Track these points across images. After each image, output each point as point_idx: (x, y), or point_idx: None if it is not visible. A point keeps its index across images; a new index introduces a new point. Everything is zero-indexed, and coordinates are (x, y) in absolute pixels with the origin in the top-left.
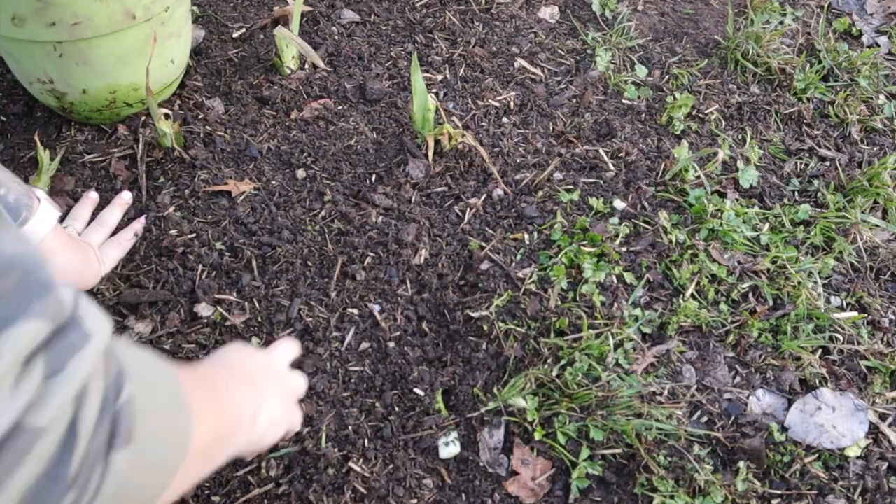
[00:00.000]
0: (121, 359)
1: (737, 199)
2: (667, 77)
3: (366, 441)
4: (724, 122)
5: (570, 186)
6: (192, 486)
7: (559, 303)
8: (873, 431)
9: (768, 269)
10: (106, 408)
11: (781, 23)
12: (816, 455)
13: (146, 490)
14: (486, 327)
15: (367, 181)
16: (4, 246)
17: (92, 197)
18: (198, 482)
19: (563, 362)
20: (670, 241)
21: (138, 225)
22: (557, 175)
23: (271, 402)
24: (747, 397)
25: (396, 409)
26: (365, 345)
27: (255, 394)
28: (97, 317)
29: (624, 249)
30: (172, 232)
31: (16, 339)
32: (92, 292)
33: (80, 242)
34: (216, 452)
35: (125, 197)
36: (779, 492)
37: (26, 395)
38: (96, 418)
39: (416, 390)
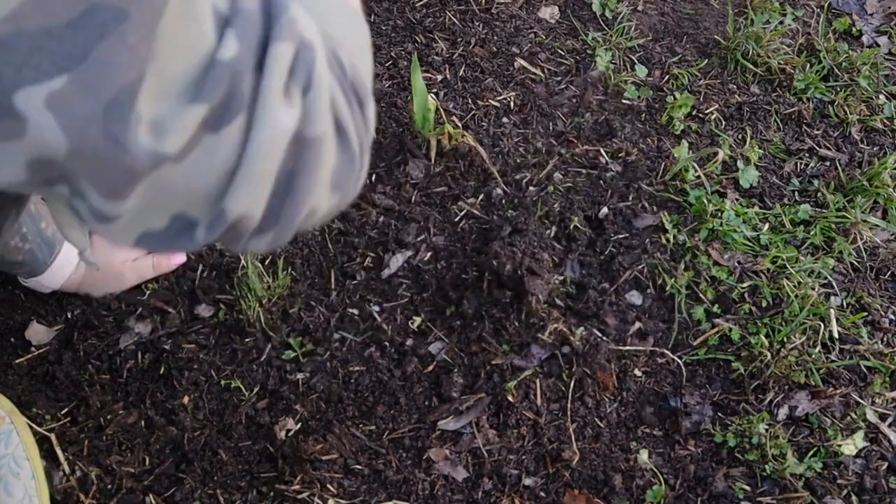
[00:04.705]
0: (326, 33)
1: (737, 199)
2: (667, 77)
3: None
4: (724, 122)
5: (570, 186)
6: None
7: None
8: (873, 431)
9: (768, 269)
10: (347, 92)
11: (781, 23)
12: (814, 453)
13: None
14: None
15: (367, 181)
16: (245, 4)
17: None
18: None
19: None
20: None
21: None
22: (557, 175)
23: None
24: None
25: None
26: (365, 345)
27: None
28: (306, 19)
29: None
30: None
31: (277, 57)
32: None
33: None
34: None
35: None
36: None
37: (297, 111)
38: (347, 105)
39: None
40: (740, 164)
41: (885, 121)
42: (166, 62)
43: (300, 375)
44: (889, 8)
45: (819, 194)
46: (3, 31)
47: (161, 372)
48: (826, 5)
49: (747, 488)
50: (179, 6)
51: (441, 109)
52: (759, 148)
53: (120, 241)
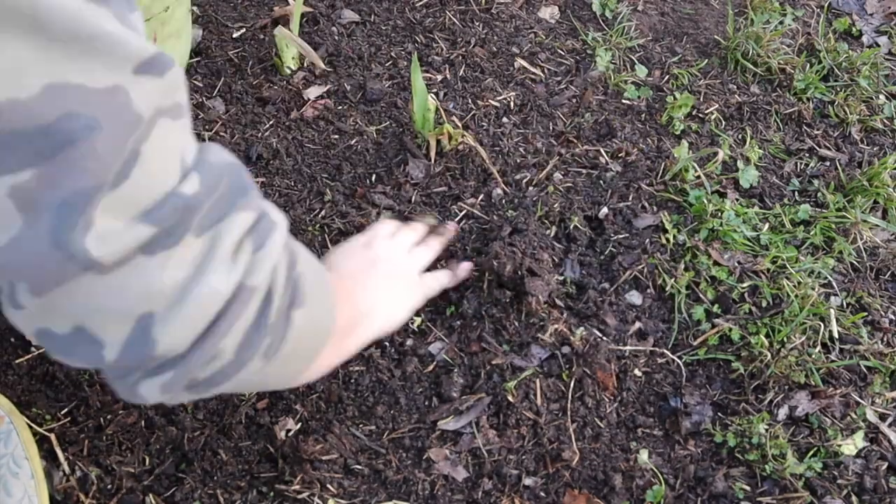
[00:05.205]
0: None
1: (737, 199)
2: (667, 77)
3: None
4: (724, 122)
5: (570, 186)
6: (329, 369)
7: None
8: (873, 431)
9: (768, 269)
10: (289, 276)
11: (781, 23)
12: (814, 453)
13: (307, 351)
14: None
15: (367, 181)
16: (211, 158)
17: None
18: (332, 368)
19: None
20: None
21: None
22: (557, 175)
23: (392, 298)
24: None
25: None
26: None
27: (381, 289)
28: (276, 210)
29: None
30: None
31: (233, 226)
32: None
33: None
34: (348, 339)
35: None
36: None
37: (244, 264)
38: (284, 283)
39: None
40: (740, 164)
41: (885, 121)
42: (137, 184)
43: None
44: (889, 8)
45: (819, 194)
46: None
47: None
48: (826, 5)
49: (747, 488)
50: (157, 139)
51: (441, 109)
52: (759, 148)
53: (21, 329)
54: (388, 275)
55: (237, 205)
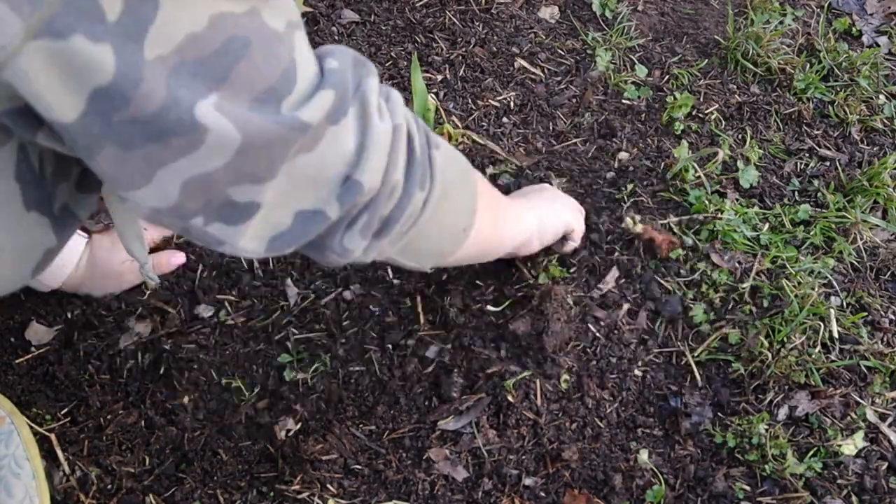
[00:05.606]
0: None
1: (737, 199)
2: (667, 77)
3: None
4: (724, 122)
5: (570, 186)
6: (474, 259)
7: None
8: (873, 431)
9: (768, 269)
10: (420, 127)
11: (781, 23)
12: (814, 453)
13: (459, 202)
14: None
15: None
16: (322, 50)
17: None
18: (478, 260)
19: None
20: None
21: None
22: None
23: (547, 213)
24: None
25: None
26: (366, 345)
27: (533, 209)
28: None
29: None
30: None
31: (369, 89)
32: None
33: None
34: (494, 241)
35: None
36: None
37: (387, 112)
38: (415, 125)
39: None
40: (740, 164)
41: (885, 121)
42: (291, 69)
43: (300, 375)
44: (889, 8)
45: (819, 194)
46: (172, 61)
47: (161, 372)
48: (826, 5)
49: (747, 488)
50: (298, 40)
51: (441, 109)
52: (759, 148)
53: (251, 251)
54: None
55: (363, 73)
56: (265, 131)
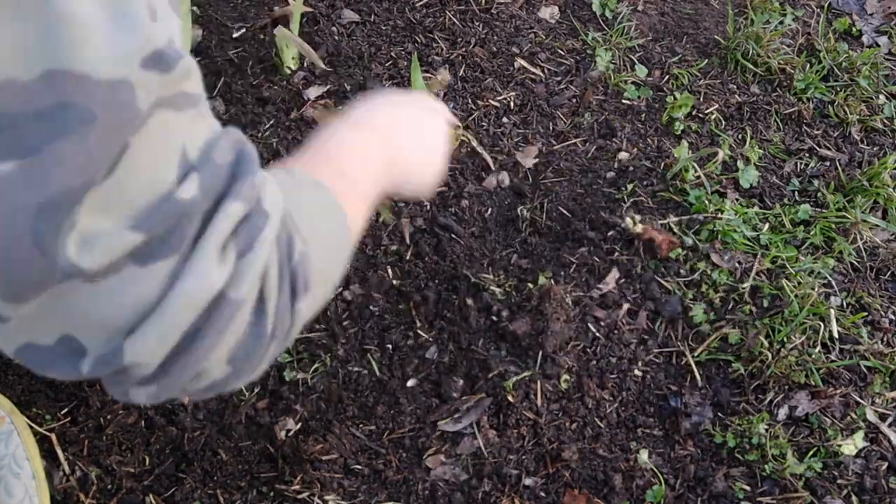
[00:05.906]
0: (290, 215)
1: (737, 199)
2: (667, 77)
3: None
4: (724, 122)
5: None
6: (372, 202)
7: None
8: (873, 431)
9: (768, 269)
10: (283, 273)
11: (781, 23)
12: (814, 453)
13: (329, 290)
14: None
15: None
16: (217, 158)
17: None
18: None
19: None
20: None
21: None
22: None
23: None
24: None
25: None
26: (366, 345)
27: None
28: (274, 193)
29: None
30: None
31: (218, 224)
32: None
33: None
34: (366, 210)
35: None
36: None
37: (228, 270)
38: (278, 284)
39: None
40: (740, 164)
41: (885, 121)
42: (123, 181)
43: (300, 375)
44: (889, 8)
45: (819, 194)
46: None
47: None
48: (826, 5)
49: (747, 488)
50: (151, 133)
51: None
52: (759, 148)
53: (2, 347)
54: (416, 113)
55: (228, 193)
56: (20, 249)
